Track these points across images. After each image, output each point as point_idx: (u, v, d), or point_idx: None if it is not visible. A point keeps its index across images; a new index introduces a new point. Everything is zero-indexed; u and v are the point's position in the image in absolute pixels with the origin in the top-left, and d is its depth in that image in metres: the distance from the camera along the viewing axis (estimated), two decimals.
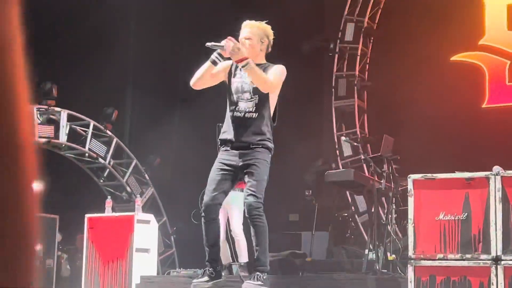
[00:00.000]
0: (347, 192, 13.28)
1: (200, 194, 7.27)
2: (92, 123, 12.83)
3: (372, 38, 14.57)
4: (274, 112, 5.96)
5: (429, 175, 6.06)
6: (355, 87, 14.35)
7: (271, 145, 5.88)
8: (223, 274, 6.34)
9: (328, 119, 14.49)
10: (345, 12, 14.47)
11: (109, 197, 10.27)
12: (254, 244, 5.87)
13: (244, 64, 5.62)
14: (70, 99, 12.88)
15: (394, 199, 9.28)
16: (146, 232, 9.25)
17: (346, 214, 13.03)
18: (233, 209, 8.64)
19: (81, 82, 13.85)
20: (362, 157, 11.28)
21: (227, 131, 5.93)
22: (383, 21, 14.41)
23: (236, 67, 5.90)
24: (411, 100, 13.13)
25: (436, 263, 5.91)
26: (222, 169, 5.86)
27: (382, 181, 9.04)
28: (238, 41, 5.81)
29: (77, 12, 14.25)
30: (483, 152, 12.01)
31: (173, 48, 14.25)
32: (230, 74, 5.99)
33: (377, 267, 8.50)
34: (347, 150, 14.06)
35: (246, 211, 5.79)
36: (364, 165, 12.92)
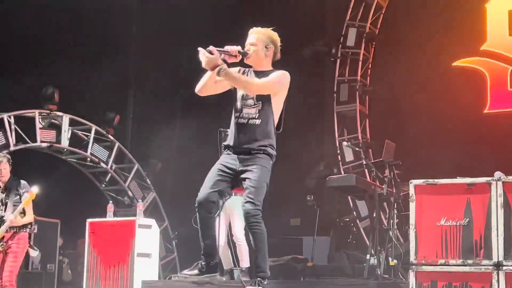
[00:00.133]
0: (349, 197, 13.28)
1: None
2: (94, 127, 12.85)
3: (374, 43, 14.57)
4: (279, 118, 5.94)
5: (430, 181, 6.06)
6: (357, 92, 14.35)
7: (272, 151, 5.85)
8: (223, 274, 6.32)
9: (329, 124, 14.49)
10: (347, 17, 14.48)
11: (110, 201, 10.27)
12: (253, 250, 5.86)
13: (217, 71, 5.63)
14: (72, 104, 12.90)
15: (395, 204, 9.27)
16: (148, 237, 9.24)
17: (347, 219, 13.02)
18: (235, 214, 8.65)
19: (83, 87, 13.87)
20: (364, 162, 11.28)
21: (230, 137, 5.94)
22: (385, 26, 14.42)
23: (243, 74, 5.90)
24: (413, 105, 13.14)
25: (438, 268, 5.91)
26: (221, 170, 5.86)
27: (383, 186, 9.03)
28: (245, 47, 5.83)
29: (79, 17, 14.28)
30: (484, 158, 12.01)
31: (175, 53, 14.26)
32: None
33: (379, 272, 8.49)
34: (349, 155, 14.06)
35: (244, 218, 5.77)
36: (366, 170, 12.93)
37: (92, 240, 9.41)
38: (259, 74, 5.87)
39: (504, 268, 5.72)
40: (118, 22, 14.25)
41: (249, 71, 5.93)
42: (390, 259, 8.92)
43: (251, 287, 5.85)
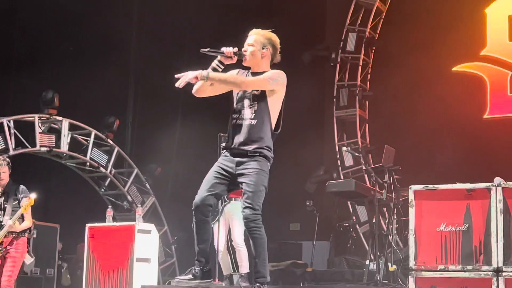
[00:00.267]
0: (348, 202, 13.27)
1: None
2: (93, 132, 12.84)
3: (374, 48, 14.58)
4: (277, 119, 5.92)
5: (430, 186, 6.05)
6: (357, 97, 14.35)
7: (269, 154, 5.81)
8: (222, 280, 6.30)
9: (329, 128, 14.49)
10: (347, 22, 14.49)
11: (110, 206, 10.25)
12: (253, 255, 5.84)
13: (201, 78, 5.66)
14: (72, 108, 12.89)
15: (395, 209, 9.27)
16: (147, 242, 9.23)
17: (347, 224, 13.00)
18: (234, 219, 8.64)
19: (82, 91, 13.87)
20: (364, 167, 11.28)
21: (228, 138, 5.94)
22: (385, 31, 14.42)
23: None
24: (413, 111, 13.14)
25: (437, 274, 5.89)
26: (218, 173, 5.84)
27: (383, 192, 9.04)
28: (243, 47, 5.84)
29: (78, 22, 14.29)
30: (484, 163, 12.01)
31: (175, 57, 14.25)
32: None
33: (378, 278, 8.49)
34: (349, 160, 14.05)
35: (244, 224, 5.75)
36: (366, 175, 12.93)
37: (91, 244, 9.40)
38: (256, 75, 5.86)
39: (503, 274, 5.71)
40: (118, 27, 14.25)
41: (248, 73, 5.93)
42: (389, 264, 8.92)
43: None
